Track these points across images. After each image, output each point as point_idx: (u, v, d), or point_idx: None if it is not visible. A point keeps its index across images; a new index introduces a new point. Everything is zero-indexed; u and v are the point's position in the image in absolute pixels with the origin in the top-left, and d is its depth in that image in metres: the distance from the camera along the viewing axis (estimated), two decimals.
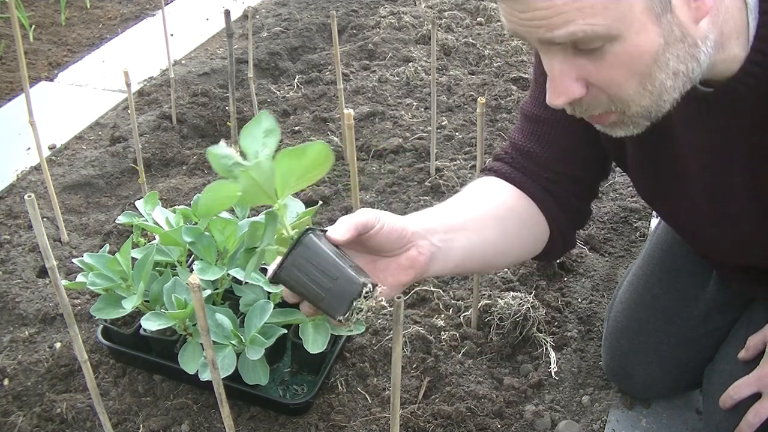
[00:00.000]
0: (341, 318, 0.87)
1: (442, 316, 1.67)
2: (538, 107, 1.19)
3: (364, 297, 0.87)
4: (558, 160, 1.18)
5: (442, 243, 1.01)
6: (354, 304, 0.87)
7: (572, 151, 1.18)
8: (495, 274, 1.77)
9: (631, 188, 2.16)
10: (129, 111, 2.10)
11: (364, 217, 0.91)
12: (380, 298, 0.88)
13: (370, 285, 0.88)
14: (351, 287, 0.87)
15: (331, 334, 1.39)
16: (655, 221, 2.01)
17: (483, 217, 1.10)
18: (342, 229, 0.89)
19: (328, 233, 0.90)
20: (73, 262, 1.79)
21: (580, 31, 0.80)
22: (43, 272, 1.85)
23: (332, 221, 1.98)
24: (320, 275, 0.87)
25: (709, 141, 1.00)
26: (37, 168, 2.26)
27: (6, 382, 1.52)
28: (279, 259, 0.90)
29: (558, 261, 1.82)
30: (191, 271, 1.47)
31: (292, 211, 1.57)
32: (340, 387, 1.49)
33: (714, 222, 1.10)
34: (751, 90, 0.91)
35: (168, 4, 3.46)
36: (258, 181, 0.85)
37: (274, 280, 0.89)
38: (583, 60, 0.85)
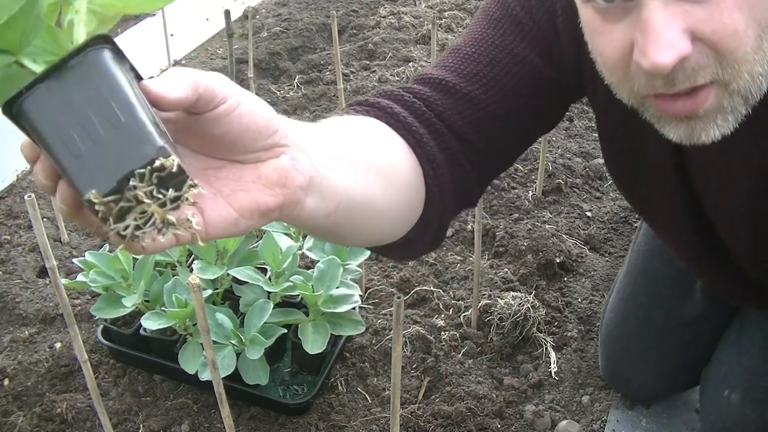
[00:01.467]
0: (94, 200, 0.46)
1: (442, 316, 1.67)
2: (494, 44, 0.91)
3: (156, 176, 0.47)
4: (496, 117, 0.90)
5: (323, 169, 0.64)
6: (131, 182, 0.47)
7: (518, 110, 0.91)
8: (495, 274, 1.77)
9: None
10: None
11: (212, 80, 0.54)
12: (187, 195, 0.49)
13: (175, 162, 0.48)
14: (139, 147, 0.47)
15: (331, 334, 1.39)
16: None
17: (365, 161, 0.75)
18: (174, 81, 0.53)
19: (146, 81, 0.54)
20: (73, 262, 1.79)
21: None
22: (43, 272, 1.85)
23: None
24: (95, 116, 0.48)
25: (717, 151, 0.81)
26: None
27: (6, 382, 1.52)
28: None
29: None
30: (191, 270, 1.47)
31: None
32: (340, 387, 1.49)
33: (697, 243, 1.02)
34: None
35: (168, 4, 3.45)
36: None
37: (14, 111, 0.50)
38: (690, 4, 0.65)
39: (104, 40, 0.52)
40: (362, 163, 0.75)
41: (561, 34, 0.90)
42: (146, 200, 0.47)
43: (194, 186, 0.49)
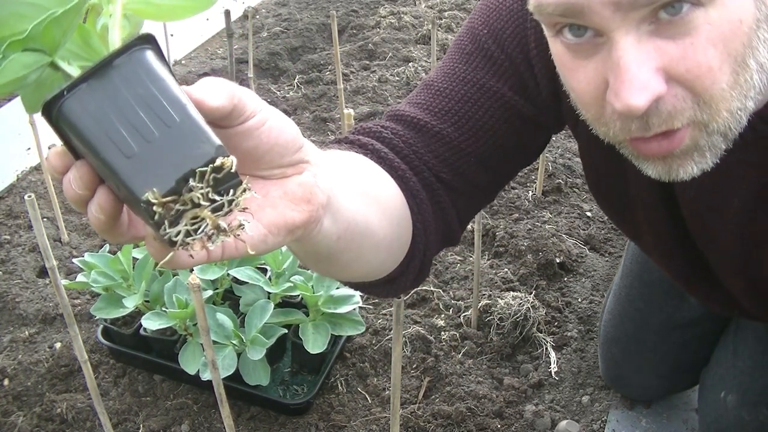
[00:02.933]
0: (152, 201, 0.43)
1: (442, 316, 1.67)
2: (465, 80, 0.88)
3: (213, 177, 0.45)
4: (470, 155, 0.88)
5: (336, 189, 0.64)
6: (190, 182, 0.44)
7: (493, 148, 0.89)
8: (495, 274, 1.77)
9: None
10: None
11: (243, 92, 0.53)
12: (240, 199, 0.46)
13: (234, 161, 0.46)
14: (197, 146, 0.45)
15: (332, 334, 1.39)
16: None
17: (364, 190, 0.74)
18: (213, 89, 0.50)
19: (186, 87, 0.49)
20: (73, 262, 1.79)
21: None
22: (43, 272, 1.85)
23: None
24: (146, 115, 0.45)
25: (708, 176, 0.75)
26: (37, 168, 2.26)
27: (6, 382, 1.52)
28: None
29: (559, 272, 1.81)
30: (191, 271, 1.48)
31: None
32: (340, 387, 1.49)
33: (692, 267, 0.98)
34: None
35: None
36: None
37: (54, 114, 0.47)
38: (663, 41, 0.61)
39: (147, 40, 0.49)
40: (362, 191, 0.73)
41: (535, 66, 0.86)
42: (203, 202, 0.44)
43: (248, 190, 0.46)
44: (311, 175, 0.58)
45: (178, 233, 0.44)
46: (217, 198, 0.45)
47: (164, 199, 0.43)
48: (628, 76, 0.61)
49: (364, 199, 0.72)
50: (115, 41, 0.49)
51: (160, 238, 0.45)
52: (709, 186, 0.80)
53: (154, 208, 0.43)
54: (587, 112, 0.70)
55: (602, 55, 0.63)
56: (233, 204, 0.46)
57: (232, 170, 0.45)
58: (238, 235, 0.47)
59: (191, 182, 0.44)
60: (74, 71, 0.49)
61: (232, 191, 0.45)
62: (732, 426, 1.21)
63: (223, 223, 0.46)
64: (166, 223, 0.44)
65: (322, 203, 0.59)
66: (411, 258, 0.83)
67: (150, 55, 0.49)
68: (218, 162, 0.44)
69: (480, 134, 0.87)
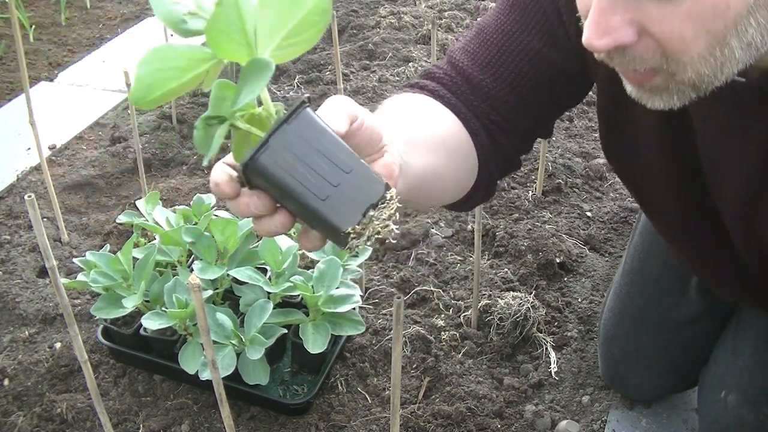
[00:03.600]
0: (350, 231, 0.60)
1: (442, 316, 1.67)
2: (504, 32, 0.98)
3: (381, 205, 0.62)
4: (509, 103, 0.98)
5: (405, 155, 0.77)
6: (369, 212, 0.61)
7: (529, 96, 0.98)
8: (495, 274, 1.77)
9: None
10: (129, 111, 2.10)
11: (348, 104, 0.67)
12: (394, 207, 0.63)
13: (394, 192, 0.63)
14: (370, 186, 0.61)
15: (332, 334, 1.39)
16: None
17: (430, 137, 0.88)
18: (339, 117, 0.64)
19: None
20: (73, 262, 1.79)
21: None
22: (43, 272, 1.85)
23: None
24: (325, 164, 0.59)
25: (727, 133, 0.84)
26: (37, 168, 2.26)
27: (6, 382, 1.52)
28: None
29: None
30: (191, 271, 1.47)
31: None
32: (340, 387, 1.49)
33: (701, 224, 1.01)
34: None
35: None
36: (225, 24, 0.55)
37: (251, 167, 0.59)
38: (648, 1, 0.66)
39: (306, 100, 0.62)
40: (429, 139, 0.88)
41: (563, 15, 0.93)
42: (376, 221, 0.61)
43: (396, 203, 0.63)
44: (389, 155, 0.72)
45: (357, 245, 0.61)
46: (384, 215, 0.62)
47: (357, 228, 0.60)
48: (595, 19, 0.68)
49: (432, 148, 0.87)
50: (269, 100, 0.63)
51: (340, 244, 0.62)
52: (728, 131, 0.84)
53: (351, 236, 0.60)
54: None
55: None
56: (392, 217, 0.62)
57: (394, 198, 0.62)
58: (391, 234, 0.63)
59: (371, 212, 0.61)
60: (247, 128, 0.63)
61: (389, 205, 0.62)
62: (732, 425, 1.21)
63: (388, 229, 0.62)
64: (351, 240, 0.61)
65: (397, 174, 0.72)
66: (477, 185, 1.00)
67: (312, 113, 0.62)
68: (387, 195, 0.62)
69: (514, 85, 0.98)
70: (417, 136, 0.85)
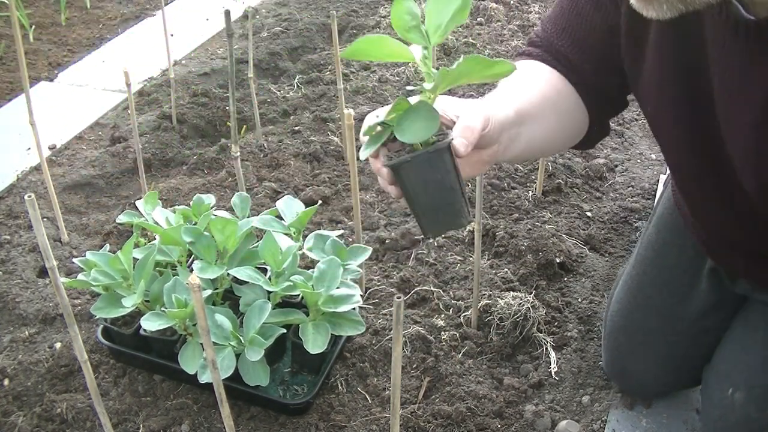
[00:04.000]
0: (429, 237, 0.97)
1: (442, 316, 1.67)
2: (577, 7, 1.17)
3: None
4: (587, 62, 1.18)
5: (514, 135, 1.02)
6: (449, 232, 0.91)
7: (600, 59, 1.16)
8: (495, 274, 1.77)
9: (631, 188, 2.16)
10: (129, 111, 2.10)
11: (479, 122, 0.88)
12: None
13: (473, 226, 0.96)
14: (458, 220, 0.88)
15: (332, 334, 1.39)
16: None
17: (541, 102, 1.11)
18: (465, 143, 0.86)
19: (453, 143, 0.85)
20: (73, 262, 1.79)
21: None
22: (43, 272, 1.85)
23: (332, 221, 2.00)
24: (439, 193, 0.84)
25: (738, 71, 0.91)
26: (37, 168, 2.26)
27: (6, 382, 1.52)
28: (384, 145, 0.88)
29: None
30: (191, 270, 1.47)
31: (292, 211, 1.57)
32: (340, 387, 1.49)
33: (711, 162, 1.04)
34: None
35: (168, 4, 3.46)
36: (406, 22, 0.84)
37: (395, 167, 0.84)
38: None
39: (449, 140, 0.85)
40: (542, 105, 1.10)
41: None
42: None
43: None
44: (497, 145, 0.97)
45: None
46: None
47: (432, 238, 1.11)
48: None
49: (544, 111, 1.11)
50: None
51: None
52: (742, 67, 0.91)
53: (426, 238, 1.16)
54: None
55: None
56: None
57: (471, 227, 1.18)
58: None
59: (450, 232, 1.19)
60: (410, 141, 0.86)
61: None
62: (738, 423, 1.20)
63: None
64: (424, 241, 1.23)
65: (500, 156, 0.99)
66: (591, 127, 1.23)
67: (448, 154, 0.84)
68: (467, 228, 1.22)
69: (583, 48, 1.17)
70: (530, 110, 1.07)
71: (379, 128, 0.87)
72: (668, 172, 1.44)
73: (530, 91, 1.12)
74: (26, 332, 1.65)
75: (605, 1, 1.11)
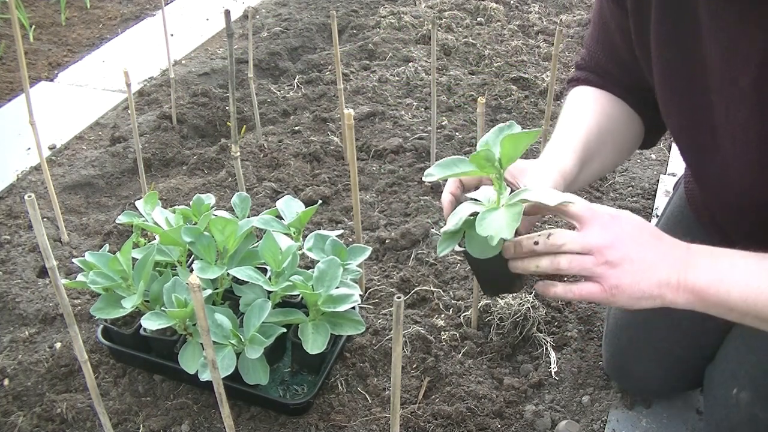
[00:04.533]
0: (487, 297, 1.10)
1: (442, 316, 1.67)
2: (598, 11, 1.24)
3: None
4: (623, 72, 1.23)
5: (575, 180, 1.13)
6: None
7: (630, 68, 1.21)
8: None
9: (631, 188, 2.16)
10: (129, 111, 2.10)
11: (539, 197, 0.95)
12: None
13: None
14: (512, 289, 1.09)
15: (332, 334, 1.39)
16: (655, 222, 2.01)
17: (598, 137, 1.18)
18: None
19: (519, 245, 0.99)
20: (73, 262, 1.79)
21: None
22: (43, 272, 1.85)
23: (332, 221, 2.00)
24: (497, 276, 1.04)
25: (731, 33, 0.94)
26: (37, 168, 2.27)
27: (6, 382, 1.52)
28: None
29: None
30: (191, 270, 1.47)
31: (292, 211, 1.57)
32: (340, 387, 1.49)
33: (718, 125, 1.04)
34: None
35: (168, 4, 3.46)
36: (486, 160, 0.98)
37: (467, 256, 1.01)
38: None
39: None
40: (599, 139, 1.18)
41: None
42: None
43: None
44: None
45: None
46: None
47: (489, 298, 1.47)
48: None
49: (601, 145, 1.19)
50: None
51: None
52: (734, 38, 0.94)
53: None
54: None
55: None
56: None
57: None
58: None
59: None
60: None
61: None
62: (744, 423, 1.19)
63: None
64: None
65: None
66: (648, 131, 1.30)
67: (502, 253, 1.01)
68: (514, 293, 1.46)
69: (613, 54, 1.24)
70: (590, 151, 1.16)
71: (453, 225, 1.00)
72: (674, 174, 1.46)
73: (586, 131, 1.18)
74: (26, 332, 1.65)
75: (615, 8, 1.17)
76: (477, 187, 1.06)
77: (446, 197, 1.08)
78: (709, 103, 1.03)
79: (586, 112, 1.23)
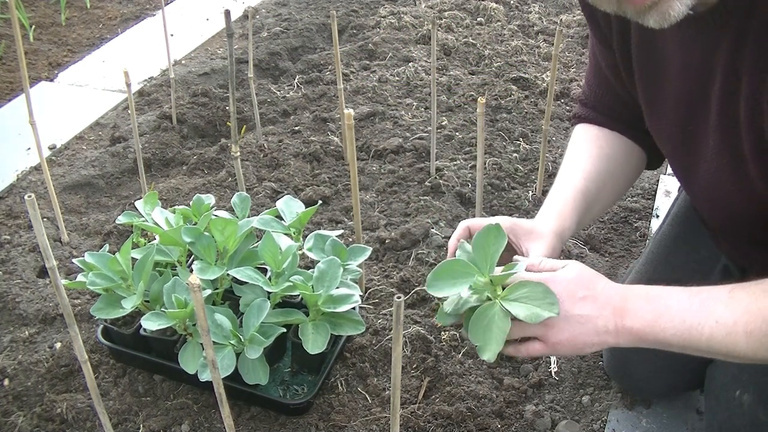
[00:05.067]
0: (486, 359, 1.00)
1: None
2: (590, 48, 1.30)
3: None
4: (620, 106, 1.29)
5: (572, 232, 1.20)
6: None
7: (622, 95, 1.27)
8: None
9: (631, 188, 2.16)
10: (129, 111, 2.11)
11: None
12: None
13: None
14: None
15: (332, 334, 1.39)
16: (656, 222, 2.01)
17: (597, 179, 1.25)
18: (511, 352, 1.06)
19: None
20: (73, 262, 1.79)
21: None
22: (43, 272, 1.85)
23: (332, 221, 2.00)
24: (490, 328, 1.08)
25: (693, 62, 1.02)
26: (37, 168, 2.27)
27: (6, 382, 1.52)
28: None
29: None
30: (191, 271, 1.47)
31: (292, 211, 1.57)
32: (340, 387, 1.49)
33: (698, 151, 1.10)
34: (730, 12, 0.92)
35: (168, 4, 3.46)
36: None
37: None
38: None
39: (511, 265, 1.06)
40: (597, 187, 1.25)
41: (599, 19, 1.17)
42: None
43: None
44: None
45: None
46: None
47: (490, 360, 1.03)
48: None
49: (602, 186, 1.25)
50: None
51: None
52: (696, 67, 1.01)
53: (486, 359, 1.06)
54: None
55: None
56: None
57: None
58: None
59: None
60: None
61: None
62: (746, 426, 1.19)
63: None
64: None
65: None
66: (650, 157, 1.34)
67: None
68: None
69: (609, 89, 1.30)
70: (588, 200, 1.23)
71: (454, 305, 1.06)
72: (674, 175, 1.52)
73: (585, 182, 1.25)
74: (26, 332, 1.65)
75: (604, 48, 1.23)
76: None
77: (453, 244, 1.16)
78: (689, 133, 1.09)
79: (586, 159, 1.29)
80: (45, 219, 2.01)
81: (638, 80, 1.18)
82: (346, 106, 2.47)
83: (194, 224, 1.53)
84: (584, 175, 1.26)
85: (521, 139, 2.33)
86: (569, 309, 0.98)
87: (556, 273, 1.00)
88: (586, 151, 1.30)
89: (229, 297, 1.51)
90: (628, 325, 0.97)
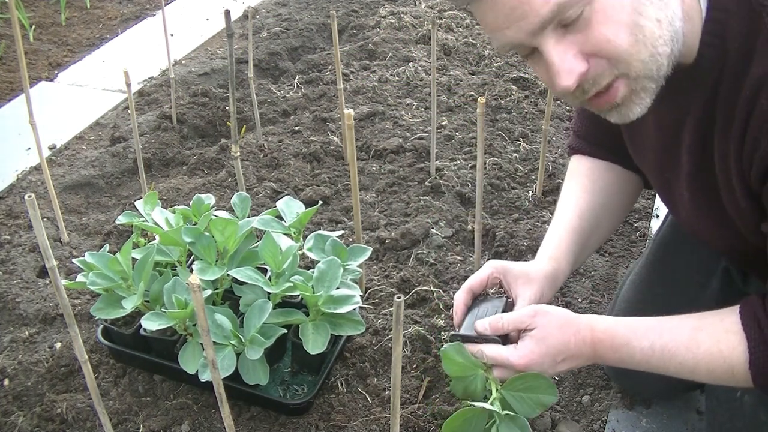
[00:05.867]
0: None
1: (442, 316, 1.67)
2: None
3: None
4: (610, 136, 1.29)
5: (568, 273, 1.25)
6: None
7: (611, 127, 1.27)
8: None
9: None
10: (129, 111, 2.11)
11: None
12: None
13: None
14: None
15: (332, 334, 1.39)
16: (656, 222, 2.01)
17: (592, 216, 1.28)
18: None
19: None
20: (73, 262, 1.79)
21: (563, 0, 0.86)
22: (43, 272, 1.85)
23: (332, 221, 2.00)
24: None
25: (665, 121, 1.06)
26: (37, 168, 2.27)
27: (6, 382, 1.52)
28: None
29: None
30: (191, 271, 1.47)
31: (292, 211, 1.57)
32: (340, 387, 1.49)
33: (674, 194, 1.14)
34: (703, 71, 0.95)
35: (168, 4, 3.46)
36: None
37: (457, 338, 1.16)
38: (572, 35, 0.88)
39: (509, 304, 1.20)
40: (592, 222, 1.28)
41: None
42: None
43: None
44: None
45: None
46: None
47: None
48: (556, 68, 0.90)
49: (598, 223, 1.29)
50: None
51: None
52: (668, 124, 1.05)
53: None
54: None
55: (543, 58, 0.92)
56: None
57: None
58: None
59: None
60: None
61: None
62: (747, 426, 1.19)
63: None
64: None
65: None
66: (646, 184, 1.33)
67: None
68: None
69: (599, 123, 1.22)
70: (583, 238, 1.27)
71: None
72: None
73: (579, 220, 1.28)
74: (26, 332, 1.65)
75: None
76: (485, 289, 1.22)
77: (460, 308, 1.20)
78: (666, 179, 1.15)
79: (580, 194, 1.32)
80: (45, 219, 2.01)
81: (623, 126, 1.19)
82: (346, 106, 2.47)
83: (194, 224, 1.53)
84: (578, 213, 1.28)
85: (521, 139, 2.33)
86: (553, 371, 1.10)
87: (532, 352, 1.07)
88: (580, 187, 1.32)
89: (229, 297, 1.51)
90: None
